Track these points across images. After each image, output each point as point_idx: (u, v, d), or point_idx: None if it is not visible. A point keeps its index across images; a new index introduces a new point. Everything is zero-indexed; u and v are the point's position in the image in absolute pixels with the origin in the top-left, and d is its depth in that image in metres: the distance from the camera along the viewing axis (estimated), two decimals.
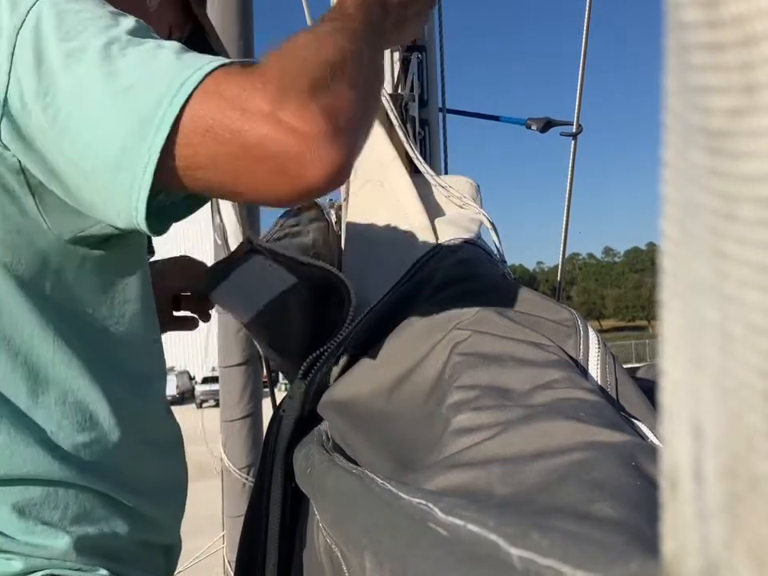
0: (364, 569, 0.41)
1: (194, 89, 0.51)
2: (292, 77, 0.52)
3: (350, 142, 0.52)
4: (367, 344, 0.76)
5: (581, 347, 0.63)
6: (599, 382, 0.59)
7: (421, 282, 0.80)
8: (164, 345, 0.76)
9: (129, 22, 0.56)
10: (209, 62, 0.53)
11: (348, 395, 0.72)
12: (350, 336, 0.79)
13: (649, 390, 0.60)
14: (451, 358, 0.62)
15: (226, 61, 0.54)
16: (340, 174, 0.52)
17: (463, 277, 0.76)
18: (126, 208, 0.53)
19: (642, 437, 0.50)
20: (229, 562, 2.11)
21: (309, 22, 1.29)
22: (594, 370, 0.60)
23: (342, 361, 0.78)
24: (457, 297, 0.72)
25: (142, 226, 0.53)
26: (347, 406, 0.70)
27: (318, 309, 0.86)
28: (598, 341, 0.63)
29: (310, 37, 0.58)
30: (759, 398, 0.10)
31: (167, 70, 0.52)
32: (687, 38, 0.13)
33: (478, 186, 1.02)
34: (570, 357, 0.61)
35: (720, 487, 0.11)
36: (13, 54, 0.54)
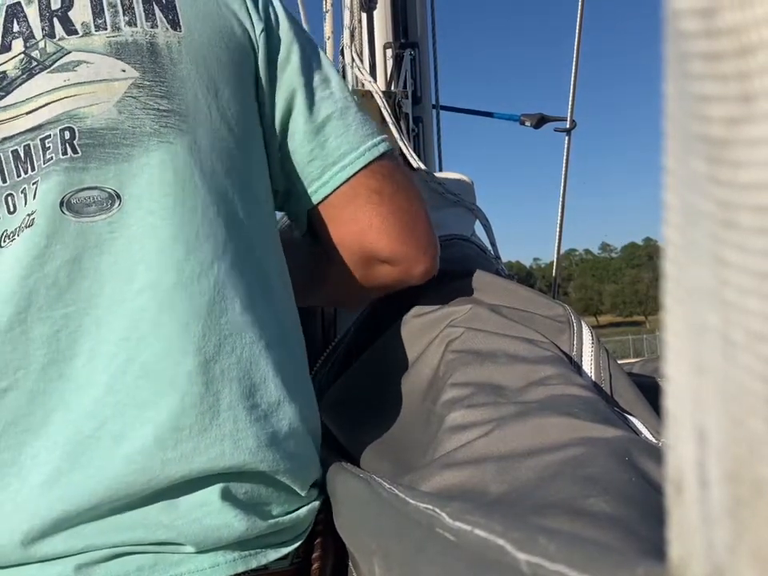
0: (373, 573, 0.42)
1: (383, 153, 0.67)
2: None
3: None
4: (364, 343, 0.76)
5: (574, 343, 0.63)
6: (593, 378, 0.59)
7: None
8: None
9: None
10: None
11: (346, 396, 0.72)
12: (346, 336, 0.79)
13: (643, 385, 0.60)
14: (445, 356, 0.62)
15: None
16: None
17: (457, 274, 0.76)
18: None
19: (636, 432, 0.50)
20: None
21: (304, 21, 1.29)
22: (588, 365, 0.61)
23: (340, 361, 0.77)
24: (450, 294, 0.72)
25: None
26: (345, 407, 0.71)
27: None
28: (592, 336, 0.64)
29: None
30: (761, 403, 0.11)
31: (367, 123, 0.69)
32: (685, 47, 0.13)
33: (473, 183, 1.02)
34: (564, 353, 0.61)
35: (724, 492, 0.11)
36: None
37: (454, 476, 0.45)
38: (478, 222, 0.99)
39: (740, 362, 0.11)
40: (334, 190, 0.66)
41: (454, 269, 0.77)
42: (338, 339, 0.80)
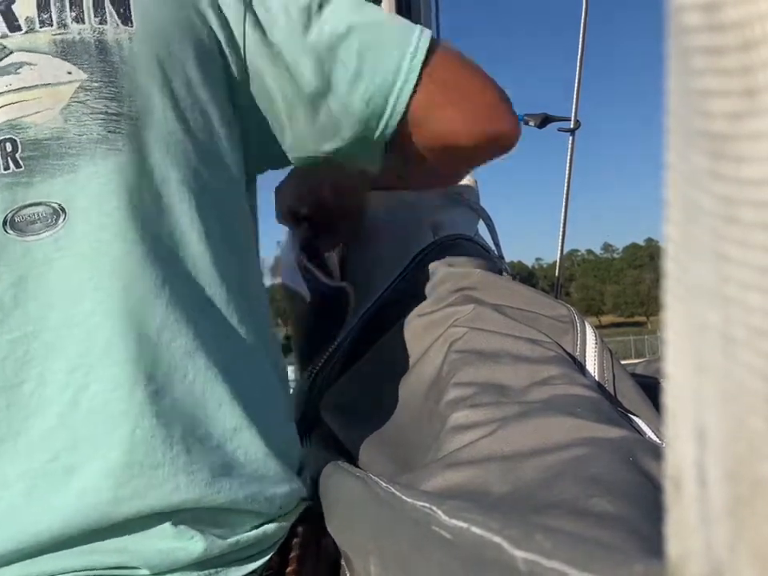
0: (369, 573, 0.41)
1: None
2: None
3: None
4: (366, 343, 0.76)
5: (578, 343, 0.63)
6: (596, 378, 0.59)
7: (417, 279, 0.80)
8: None
9: None
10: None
11: (347, 395, 0.72)
12: (349, 335, 0.79)
13: (646, 385, 0.60)
14: (448, 356, 0.62)
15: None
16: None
17: (460, 273, 0.76)
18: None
19: (640, 432, 0.50)
20: None
21: None
22: (591, 366, 0.61)
23: (342, 360, 0.77)
24: (453, 294, 0.72)
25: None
26: (347, 407, 0.70)
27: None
28: (595, 337, 0.64)
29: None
30: (761, 401, 0.11)
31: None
32: (688, 42, 0.13)
33: (476, 182, 1.02)
34: (567, 353, 0.61)
35: (723, 490, 0.11)
36: None
37: (457, 476, 0.45)
38: (481, 222, 0.98)
39: (740, 360, 0.11)
40: (404, 114, 0.64)
41: (458, 269, 0.77)
42: (341, 338, 0.80)
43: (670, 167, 0.13)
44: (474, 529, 0.32)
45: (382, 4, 1.21)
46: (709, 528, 0.12)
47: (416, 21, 1.27)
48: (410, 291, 0.78)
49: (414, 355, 0.68)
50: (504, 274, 0.82)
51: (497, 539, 0.30)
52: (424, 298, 0.75)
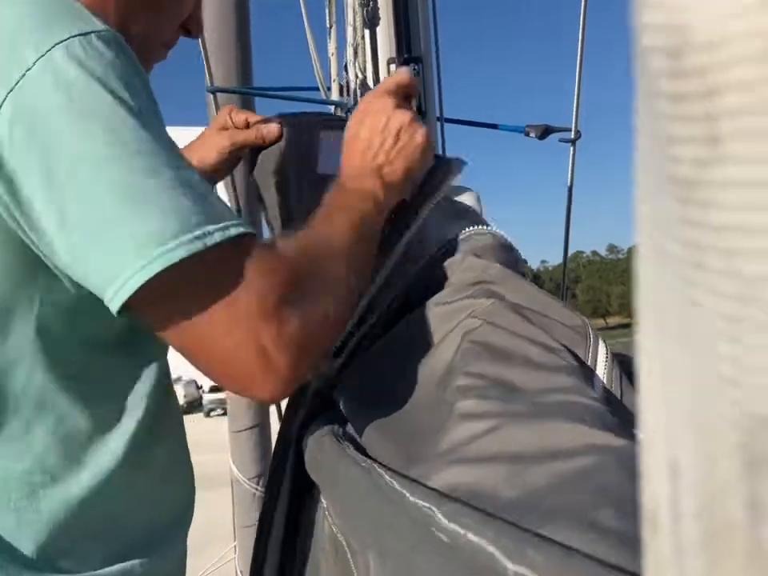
0: (368, 566, 0.42)
1: (212, 245, 0.51)
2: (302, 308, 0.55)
3: (306, 365, 0.55)
4: (382, 332, 0.76)
5: (589, 355, 0.63)
6: (605, 393, 0.59)
7: (442, 267, 0.79)
8: (169, 354, 0.72)
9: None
10: (231, 224, 0.53)
11: (361, 381, 0.72)
12: (379, 320, 0.78)
13: None
14: (462, 345, 0.63)
15: (242, 230, 0.53)
16: (286, 393, 0.55)
17: (481, 265, 0.76)
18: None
19: None
20: (240, 572, 2.12)
21: (309, 37, 1.30)
22: (602, 379, 0.60)
23: (361, 346, 0.77)
24: (473, 286, 0.72)
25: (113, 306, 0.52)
26: (359, 392, 0.71)
27: None
28: (606, 351, 0.64)
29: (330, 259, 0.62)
30: (732, 446, 0.11)
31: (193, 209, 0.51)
32: (654, 85, 0.13)
33: (479, 196, 1.02)
34: (579, 363, 0.60)
35: (696, 527, 0.11)
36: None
37: (465, 475, 0.45)
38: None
39: (711, 406, 0.11)
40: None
41: (480, 261, 0.77)
42: (371, 323, 0.79)
43: (640, 209, 0.14)
44: (471, 536, 0.33)
45: (381, 21, 1.22)
46: (683, 562, 0.12)
47: (415, 37, 1.28)
48: (434, 278, 0.77)
49: (429, 344, 0.68)
50: (523, 274, 0.81)
51: (491, 549, 0.31)
52: (445, 286, 0.75)
